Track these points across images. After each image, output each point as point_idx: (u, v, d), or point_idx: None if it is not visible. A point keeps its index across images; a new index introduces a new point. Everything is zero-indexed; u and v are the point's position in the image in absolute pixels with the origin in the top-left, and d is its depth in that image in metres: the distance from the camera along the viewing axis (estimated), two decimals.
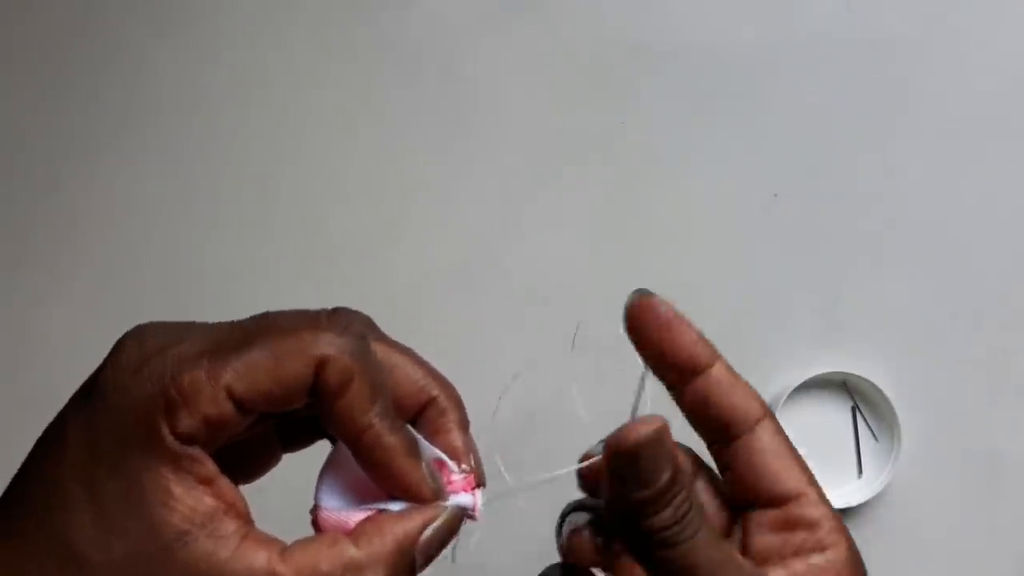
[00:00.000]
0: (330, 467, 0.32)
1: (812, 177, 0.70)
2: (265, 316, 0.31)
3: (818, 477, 0.31)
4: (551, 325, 0.68)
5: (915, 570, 0.68)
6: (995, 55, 0.70)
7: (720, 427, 0.33)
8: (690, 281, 0.69)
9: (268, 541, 0.28)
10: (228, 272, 0.70)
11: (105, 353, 0.31)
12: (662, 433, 0.31)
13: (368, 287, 0.68)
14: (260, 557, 0.27)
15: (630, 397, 0.71)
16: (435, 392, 0.33)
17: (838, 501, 0.66)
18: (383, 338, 0.32)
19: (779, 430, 0.33)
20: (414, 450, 0.31)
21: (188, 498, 0.27)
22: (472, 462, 0.33)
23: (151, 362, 0.28)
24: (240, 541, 0.27)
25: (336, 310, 0.31)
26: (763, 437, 0.33)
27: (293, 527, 0.30)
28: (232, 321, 0.31)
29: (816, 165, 0.70)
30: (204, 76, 0.71)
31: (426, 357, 0.34)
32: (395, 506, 0.30)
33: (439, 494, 0.31)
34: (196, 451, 0.27)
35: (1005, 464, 0.68)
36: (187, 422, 0.27)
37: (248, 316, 0.31)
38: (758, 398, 0.34)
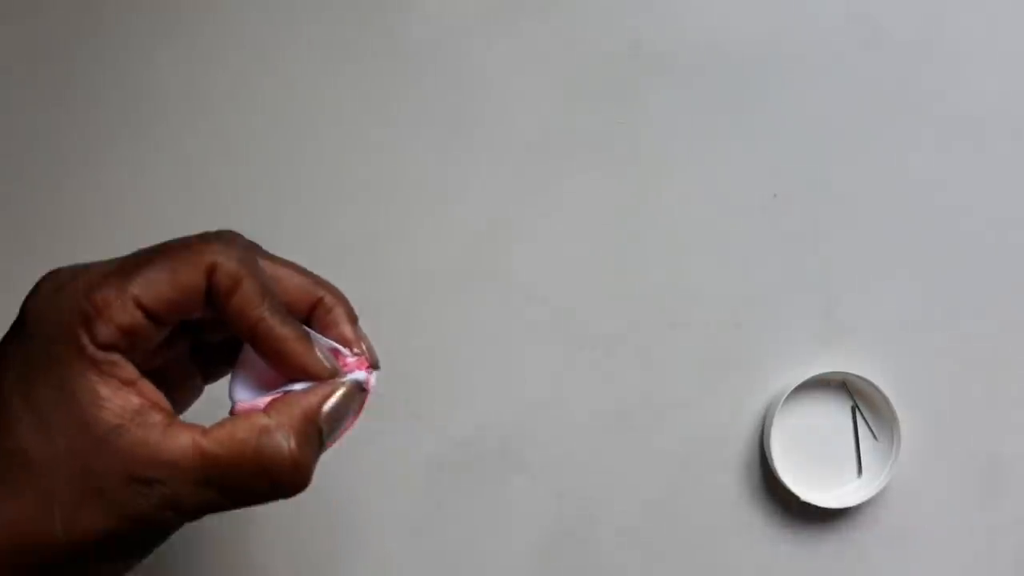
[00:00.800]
0: (239, 367, 0.36)
1: (812, 177, 0.70)
2: (162, 242, 0.36)
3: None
4: (551, 325, 0.68)
5: (915, 570, 0.68)
6: (995, 55, 0.70)
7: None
8: (689, 281, 0.69)
9: (191, 425, 0.32)
10: None
11: None
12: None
13: (368, 287, 0.68)
14: (186, 436, 0.31)
15: (630, 396, 0.72)
16: (321, 293, 0.37)
17: (838, 501, 0.66)
18: (268, 255, 0.37)
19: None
20: (306, 336, 0.35)
21: (116, 397, 0.31)
22: (363, 347, 0.37)
23: (66, 288, 0.33)
24: (166, 427, 0.31)
25: (221, 231, 0.36)
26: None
27: None
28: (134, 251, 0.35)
29: (816, 165, 0.70)
30: (205, 76, 0.72)
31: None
32: (299, 387, 0.34)
33: (335, 372, 0.35)
34: (116, 357, 0.32)
35: (1005, 464, 0.68)
36: (104, 331, 0.31)
37: None
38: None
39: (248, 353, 0.36)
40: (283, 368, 0.34)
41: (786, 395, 0.65)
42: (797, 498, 0.65)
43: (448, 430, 0.67)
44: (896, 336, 0.69)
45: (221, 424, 0.32)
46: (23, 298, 0.35)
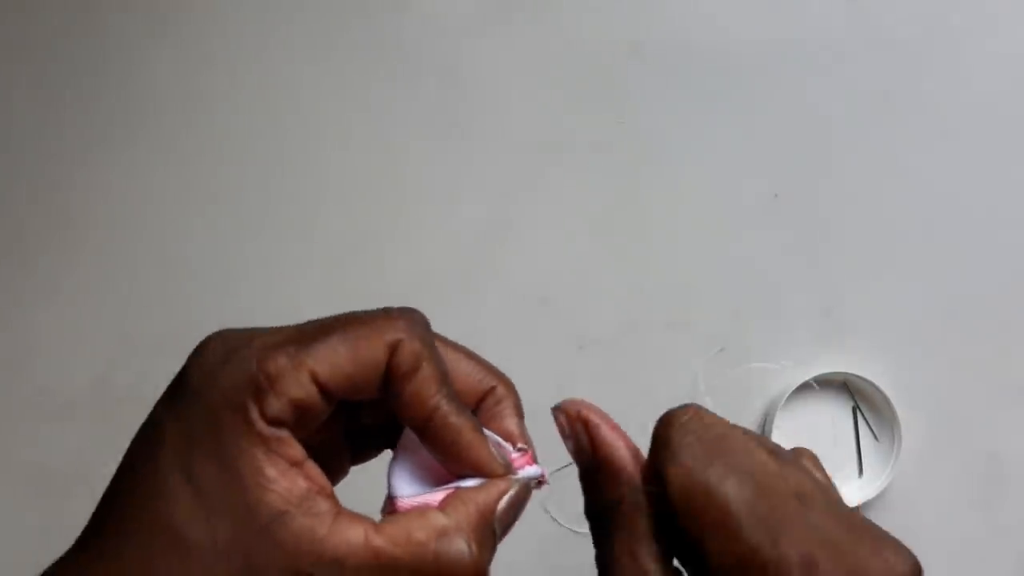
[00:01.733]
0: (399, 459, 0.33)
1: (813, 177, 0.69)
2: (341, 313, 0.32)
3: None
4: (551, 325, 0.68)
5: None
6: (995, 55, 0.70)
7: None
8: (690, 281, 0.69)
9: (361, 517, 0.29)
10: (226, 273, 0.70)
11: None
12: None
13: (367, 288, 0.68)
14: (356, 531, 0.29)
15: (630, 396, 0.71)
16: (493, 383, 0.35)
17: None
18: (440, 337, 0.34)
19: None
20: (480, 430, 0.32)
21: (283, 479, 0.28)
22: (528, 443, 0.35)
23: (238, 353, 0.30)
24: (335, 518, 0.29)
25: (405, 308, 0.33)
26: None
27: None
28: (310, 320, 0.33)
29: (817, 165, 0.69)
30: (200, 77, 0.71)
31: None
32: (469, 483, 0.32)
33: (508, 468, 0.33)
34: (285, 434, 0.29)
35: (1005, 464, 0.68)
36: (275, 405, 0.28)
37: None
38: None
39: (410, 441, 0.33)
40: (453, 462, 0.32)
41: (787, 395, 0.65)
42: None
43: None
44: (897, 337, 0.68)
45: (394, 520, 0.30)
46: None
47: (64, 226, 0.71)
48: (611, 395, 0.71)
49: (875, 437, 0.68)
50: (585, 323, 0.69)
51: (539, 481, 0.34)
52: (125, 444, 0.31)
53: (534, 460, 0.35)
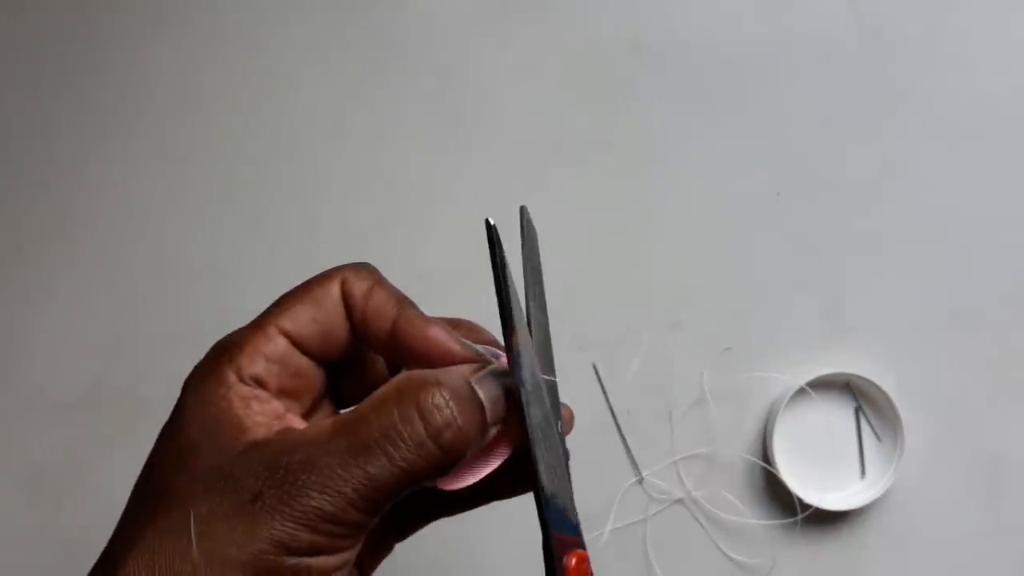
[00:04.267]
0: None
1: (814, 176, 0.69)
2: None
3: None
4: (551, 325, 0.68)
5: (918, 571, 0.68)
6: (996, 55, 0.70)
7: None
8: (691, 281, 0.69)
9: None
10: (222, 271, 0.70)
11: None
12: None
13: None
14: (324, 420, 0.29)
15: (631, 396, 0.71)
16: (460, 320, 0.36)
17: (841, 503, 0.65)
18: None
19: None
20: (450, 329, 0.33)
21: (260, 420, 0.29)
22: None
23: (211, 351, 0.31)
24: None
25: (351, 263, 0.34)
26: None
27: None
28: None
29: (818, 164, 0.69)
30: (197, 76, 0.71)
31: None
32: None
33: (485, 356, 0.32)
34: (262, 393, 0.30)
35: (1009, 465, 0.68)
36: (250, 366, 0.30)
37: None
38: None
39: None
40: (427, 360, 0.31)
41: (789, 396, 0.65)
42: (800, 500, 0.65)
43: None
44: (900, 337, 0.68)
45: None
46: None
47: (62, 226, 0.70)
48: (612, 395, 0.71)
49: (878, 438, 0.67)
50: (585, 323, 0.68)
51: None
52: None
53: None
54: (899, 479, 0.66)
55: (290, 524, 0.26)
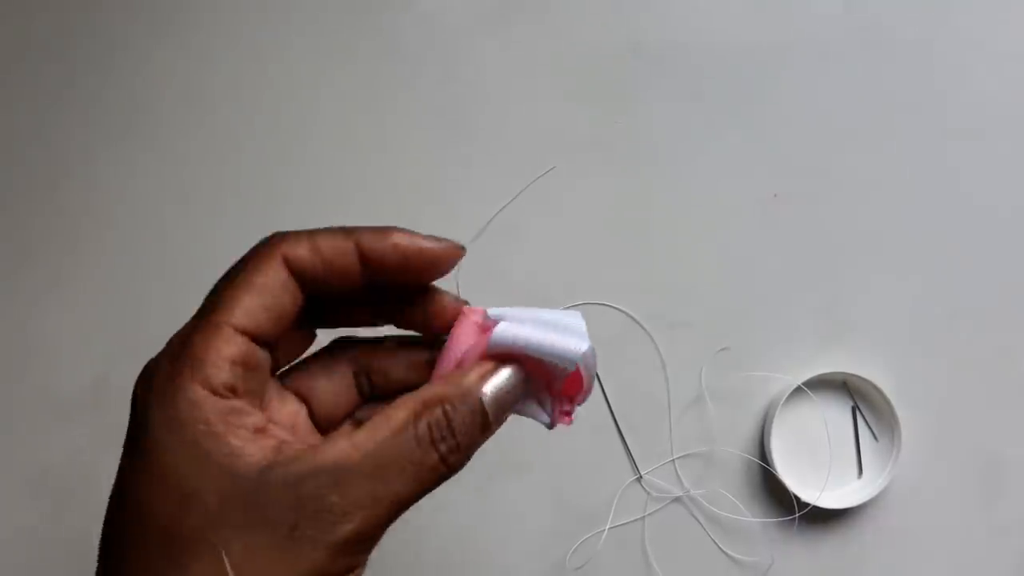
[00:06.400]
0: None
1: (812, 177, 0.70)
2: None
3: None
4: None
5: (915, 571, 0.68)
6: (996, 55, 0.70)
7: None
8: (690, 281, 0.69)
9: (335, 433, 0.29)
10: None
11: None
12: None
13: None
14: (340, 441, 0.28)
15: (631, 397, 0.71)
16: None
17: (838, 502, 0.66)
18: None
19: None
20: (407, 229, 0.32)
21: (251, 445, 0.27)
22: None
23: (155, 364, 0.29)
24: (313, 447, 0.28)
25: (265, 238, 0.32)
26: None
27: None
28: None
29: (816, 165, 0.70)
30: (203, 78, 0.71)
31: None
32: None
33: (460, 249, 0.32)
34: (238, 403, 0.28)
35: (1006, 464, 0.68)
36: (215, 373, 0.28)
37: None
38: None
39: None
40: (412, 272, 0.31)
41: (786, 395, 0.65)
42: (797, 498, 0.65)
43: None
44: (897, 336, 0.68)
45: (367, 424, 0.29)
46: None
47: (65, 226, 0.71)
48: (612, 395, 0.72)
49: (875, 437, 0.68)
50: (585, 324, 0.69)
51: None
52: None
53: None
54: (896, 478, 0.66)
55: (331, 551, 0.26)
